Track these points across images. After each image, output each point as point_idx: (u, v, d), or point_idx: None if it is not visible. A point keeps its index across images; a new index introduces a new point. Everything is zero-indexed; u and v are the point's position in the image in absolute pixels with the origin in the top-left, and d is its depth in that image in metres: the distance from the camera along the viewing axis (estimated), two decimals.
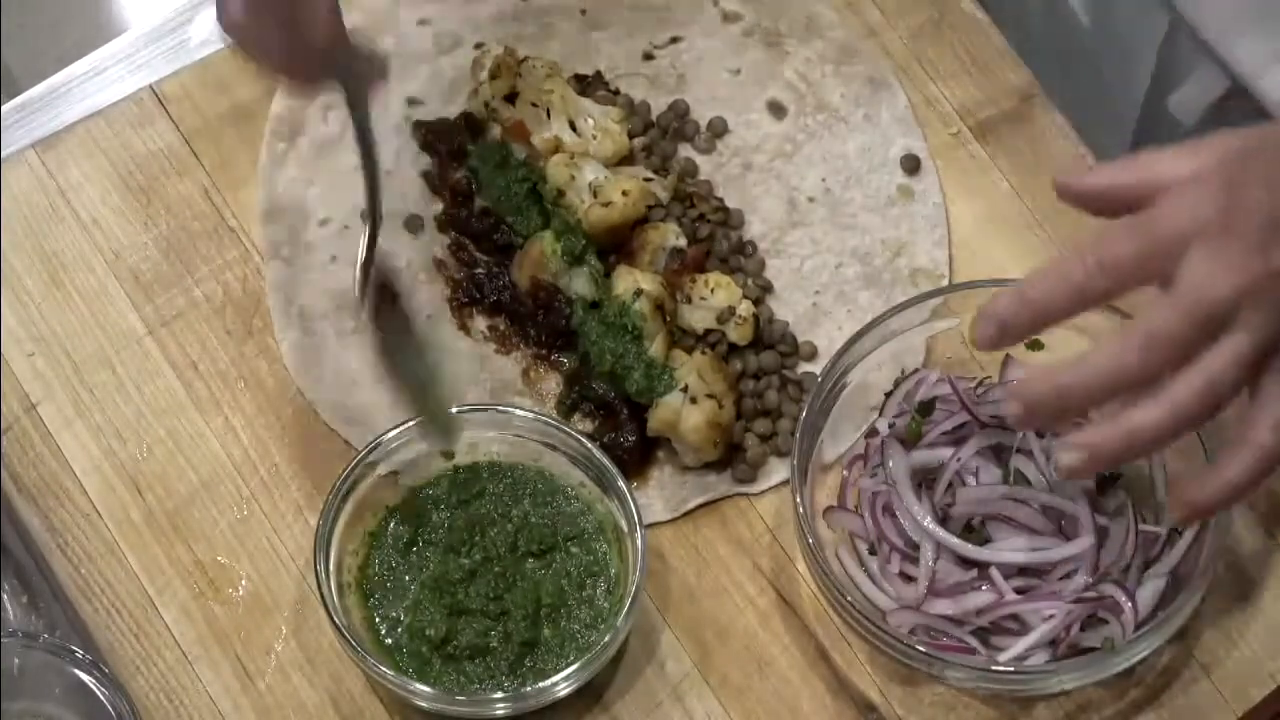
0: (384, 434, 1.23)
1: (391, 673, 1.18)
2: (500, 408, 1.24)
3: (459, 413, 1.23)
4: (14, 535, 1.26)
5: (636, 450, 1.27)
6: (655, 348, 1.26)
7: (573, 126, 1.33)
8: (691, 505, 1.27)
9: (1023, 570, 1.20)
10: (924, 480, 1.24)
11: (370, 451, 1.23)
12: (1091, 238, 1.06)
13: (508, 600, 1.21)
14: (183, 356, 1.30)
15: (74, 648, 1.19)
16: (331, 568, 1.20)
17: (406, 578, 1.22)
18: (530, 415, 1.24)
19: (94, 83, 1.38)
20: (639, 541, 1.20)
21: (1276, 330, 1.04)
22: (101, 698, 1.18)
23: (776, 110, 1.37)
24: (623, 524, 1.21)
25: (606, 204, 1.29)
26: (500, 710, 1.19)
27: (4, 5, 1.58)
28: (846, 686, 1.24)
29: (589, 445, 1.22)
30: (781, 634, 1.25)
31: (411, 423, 1.22)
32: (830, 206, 1.35)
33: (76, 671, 1.18)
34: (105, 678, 1.18)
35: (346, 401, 1.29)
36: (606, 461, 1.22)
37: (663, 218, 1.32)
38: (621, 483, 1.21)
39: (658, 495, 1.27)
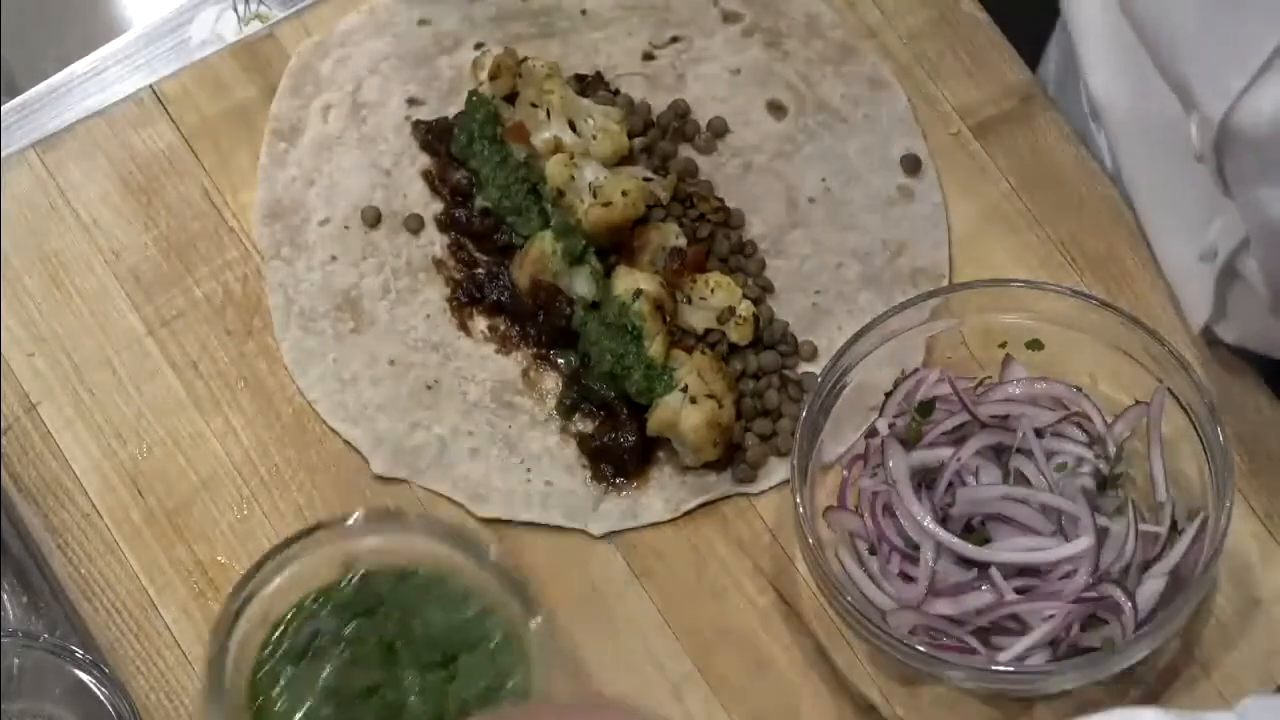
0: (279, 547, 1.16)
1: None
2: (394, 511, 1.21)
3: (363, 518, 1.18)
4: (14, 535, 1.26)
5: (636, 450, 1.27)
6: (655, 348, 1.26)
7: (572, 127, 1.33)
8: (691, 505, 1.27)
9: (1023, 570, 1.20)
10: (924, 480, 1.24)
11: (264, 562, 1.15)
12: None
13: (406, 715, 1.15)
14: (183, 356, 1.30)
15: (74, 647, 1.19)
16: (227, 684, 1.13)
17: (301, 691, 1.15)
18: (426, 518, 1.20)
19: (94, 83, 1.38)
20: (537, 636, 1.13)
21: None
22: (101, 697, 1.18)
23: (776, 110, 1.37)
24: (521, 620, 1.14)
25: (606, 204, 1.29)
26: None
27: (4, 5, 1.58)
28: (846, 686, 1.24)
29: (484, 549, 1.15)
30: (781, 634, 1.25)
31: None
32: (830, 207, 1.35)
33: (76, 671, 1.18)
34: (105, 677, 1.18)
35: (347, 401, 1.29)
36: (504, 567, 1.15)
37: (663, 218, 1.32)
38: (516, 580, 1.14)
39: (658, 495, 1.27)
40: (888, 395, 1.27)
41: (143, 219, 1.34)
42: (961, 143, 1.37)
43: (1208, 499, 1.20)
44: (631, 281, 1.27)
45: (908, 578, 1.22)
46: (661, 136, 1.36)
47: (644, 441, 1.27)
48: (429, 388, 1.30)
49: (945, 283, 1.32)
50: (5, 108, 1.36)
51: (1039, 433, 1.23)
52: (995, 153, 1.36)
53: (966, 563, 1.21)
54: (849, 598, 1.19)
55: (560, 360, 1.30)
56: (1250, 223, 1.19)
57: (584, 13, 1.40)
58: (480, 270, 1.32)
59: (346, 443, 1.28)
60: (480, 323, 1.32)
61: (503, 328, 1.32)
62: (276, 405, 1.29)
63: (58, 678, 1.19)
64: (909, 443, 1.24)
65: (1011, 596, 1.19)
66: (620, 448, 1.27)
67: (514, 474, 1.28)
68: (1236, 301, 1.26)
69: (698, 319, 1.28)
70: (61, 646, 1.19)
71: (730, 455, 1.27)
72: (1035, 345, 1.26)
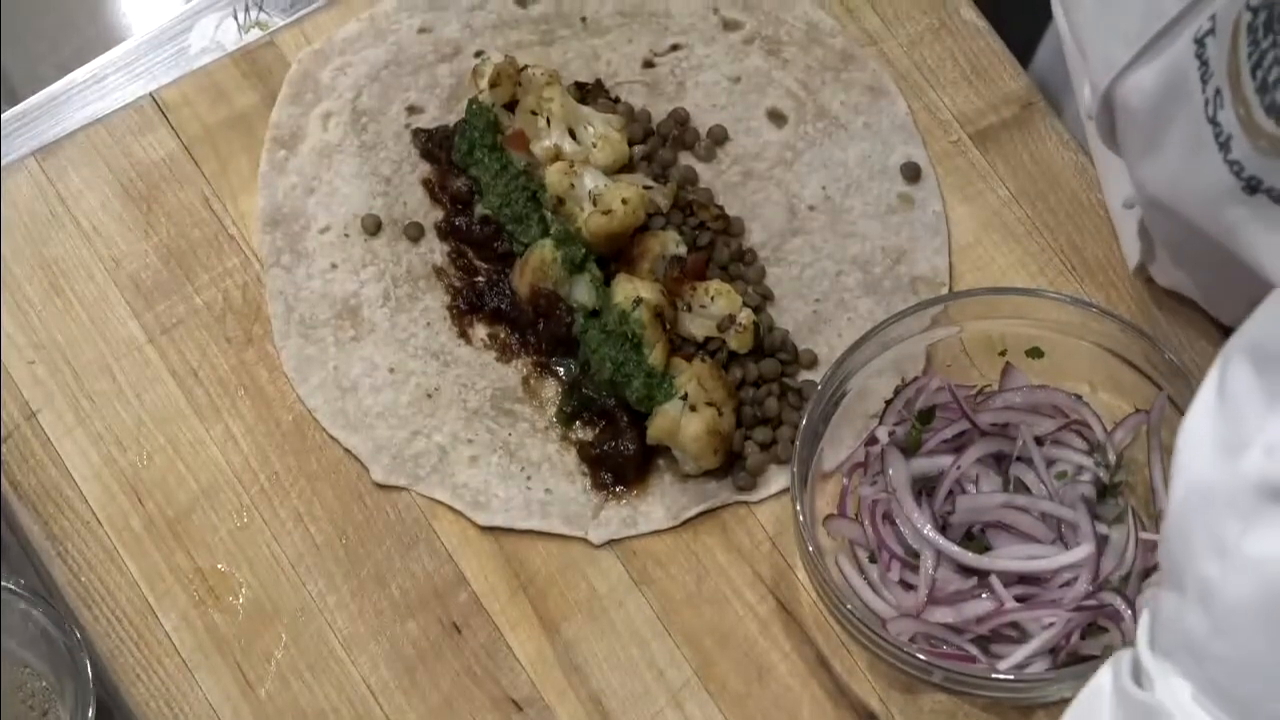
0: None
1: None
2: None
3: None
4: (14, 543, 1.26)
5: (636, 458, 1.27)
6: (655, 356, 1.26)
7: (572, 134, 1.33)
8: (692, 513, 1.27)
9: (1023, 578, 1.20)
10: (924, 488, 1.24)
11: None
12: None
13: None
14: (183, 364, 1.31)
15: (22, 583, 1.18)
16: None
17: None
18: None
19: (94, 90, 1.38)
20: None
21: None
22: (55, 636, 1.17)
23: (776, 118, 1.37)
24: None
25: (606, 212, 1.29)
26: None
27: (4, 12, 1.58)
28: (846, 694, 1.24)
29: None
30: (781, 641, 1.25)
31: None
32: (830, 214, 1.35)
33: (31, 610, 1.17)
34: (53, 613, 1.17)
35: (346, 409, 1.29)
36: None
37: (663, 226, 1.32)
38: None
39: (658, 503, 1.27)
40: (888, 403, 1.27)
41: (143, 226, 1.34)
42: (961, 150, 1.37)
43: None
44: (631, 289, 1.27)
45: (908, 585, 1.22)
46: (661, 144, 1.36)
47: (644, 449, 1.27)
48: (429, 395, 1.30)
49: (945, 290, 1.32)
50: (5, 115, 1.37)
51: (1039, 440, 1.23)
52: (995, 160, 1.36)
53: (966, 570, 1.21)
54: (849, 605, 1.19)
55: (560, 368, 1.30)
56: (1133, 181, 1.22)
57: (584, 20, 1.40)
58: (480, 278, 1.32)
59: (346, 450, 1.28)
60: (480, 330, 1.32)
61: (503, 335, 1.32)
62: (276, 413, 1.29)
63: (19, 619, 1.18)
64: (909, 450, 1.24)
65: (1011, 604, 1.19)
66: (620, 455, 1.27)
67: (514, 482, 1.28)
68: (1156, 248, 1.27)
69: (698, 327, 1.28)
70: (22, 591, 1.18)
71: (730, 463, 1.27)
72: (1035, 353, 1.26)
